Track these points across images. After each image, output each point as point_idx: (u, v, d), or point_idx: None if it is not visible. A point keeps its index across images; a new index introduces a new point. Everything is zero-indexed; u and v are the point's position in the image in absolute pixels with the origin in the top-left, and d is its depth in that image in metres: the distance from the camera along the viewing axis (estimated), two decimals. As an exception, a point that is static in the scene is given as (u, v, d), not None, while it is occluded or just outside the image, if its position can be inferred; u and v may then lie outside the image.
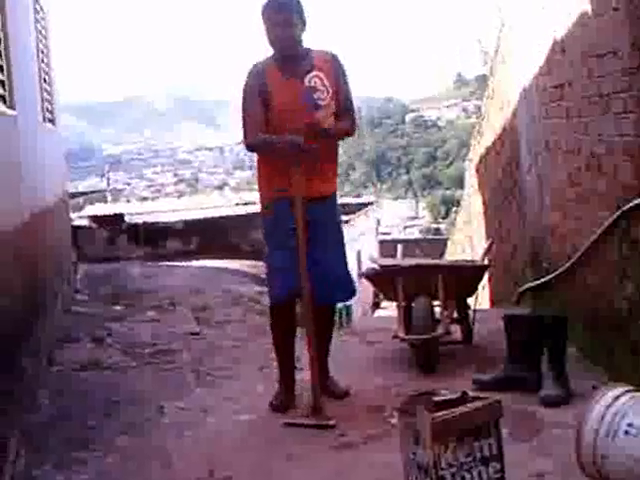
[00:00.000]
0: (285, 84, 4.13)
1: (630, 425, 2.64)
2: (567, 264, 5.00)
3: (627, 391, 2.81)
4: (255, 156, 4.39)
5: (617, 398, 2.76)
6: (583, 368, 4.50)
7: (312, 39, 4.31)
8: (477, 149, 9.24)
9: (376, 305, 14.55)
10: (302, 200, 4.03)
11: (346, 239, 4.52)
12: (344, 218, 8.60)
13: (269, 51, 4.23)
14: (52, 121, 7.24)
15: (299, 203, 4.03)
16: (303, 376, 4.55)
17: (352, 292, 4.39)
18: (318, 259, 4.13)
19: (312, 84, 4.12)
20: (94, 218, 11.53)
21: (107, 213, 12.28)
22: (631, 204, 3.83)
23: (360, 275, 5.73)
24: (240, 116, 4.22)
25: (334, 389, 4.41)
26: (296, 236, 4.04)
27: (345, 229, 4.65)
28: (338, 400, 4.31)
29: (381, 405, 4.18)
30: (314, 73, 4.13)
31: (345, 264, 4.38)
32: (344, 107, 4.28)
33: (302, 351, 4.46)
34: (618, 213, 4.01)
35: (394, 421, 3.49)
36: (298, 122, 4.04)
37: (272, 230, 4.25)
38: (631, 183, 3.84)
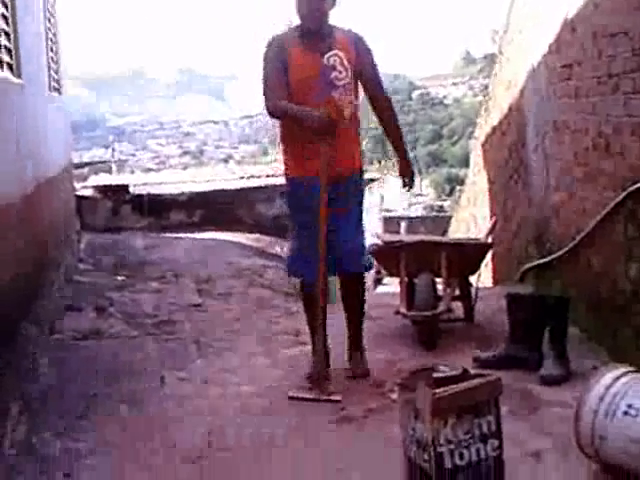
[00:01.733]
0: (304, 58, 4.10)
1: (629, 406, 2.63)
2: (571, 244, 4.99)
3: (627, 372, 2.80)
4: (266, 131, 4.36)
5: (617, 379, 2.74)
6: (586, 349, 4.50)
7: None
8: (483, 128, 9.18)
9: (378, 281, 14.52)
10: (326, 179, 4.03)
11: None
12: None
13: (276, 28, 4.20)
14: (58, 90, 7.21)
15: (324, 182, 4.03)
16: (302, 349, 4.60)
17: (368, 266, 4.41)
18: (338, 234, 4.15)
19: (331, 63, 4.08)
20: (98, 188, 11.49)
21: (111, 183, 12.23)
22: (638, 184, 3.81)
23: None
24: (261, 83, 4.17)
25: (359, 367, 4.36)
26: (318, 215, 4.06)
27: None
28: (348, 376, 4.30)
29: (382, 380, 4.20)
30: (334, 52, 4.09)
31: (363, 241, 4.40)
32: (377, 86, 4.30)
33: (304, 325, 4.51)
34: (625, 194, 4.00)
35: (394, 396, 3.49)
36: (312, 98, 4.03)
37: (295, 208, 4.30)
38: (639, 163, 3.82)
